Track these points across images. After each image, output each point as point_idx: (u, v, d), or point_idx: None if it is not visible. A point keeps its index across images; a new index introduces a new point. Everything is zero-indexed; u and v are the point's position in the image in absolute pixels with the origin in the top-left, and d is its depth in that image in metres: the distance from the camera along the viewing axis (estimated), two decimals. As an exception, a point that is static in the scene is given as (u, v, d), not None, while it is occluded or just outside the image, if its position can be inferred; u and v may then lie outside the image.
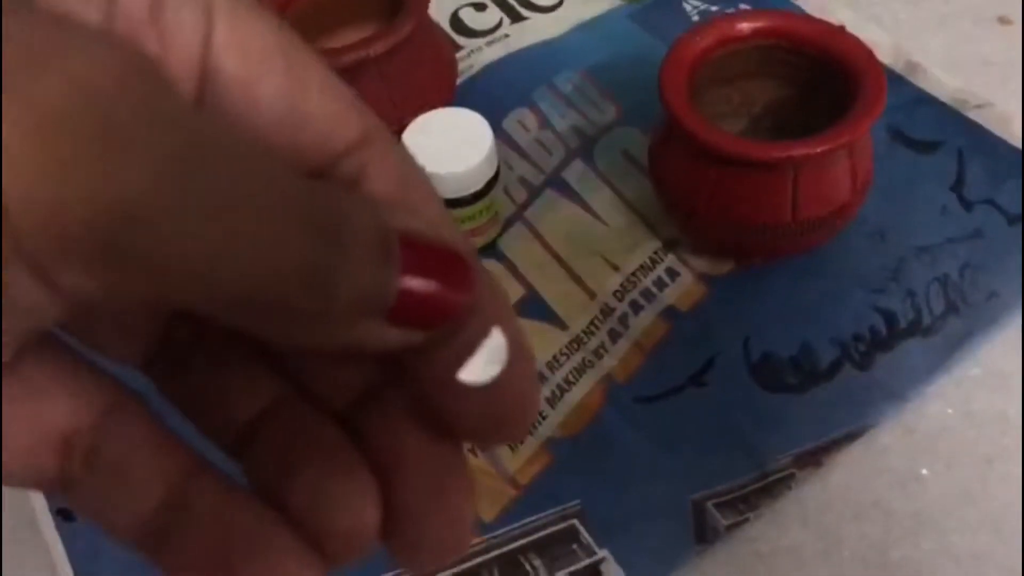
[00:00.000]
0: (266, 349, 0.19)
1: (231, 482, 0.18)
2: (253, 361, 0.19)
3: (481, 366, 0.16)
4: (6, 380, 0.16)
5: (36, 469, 0.17)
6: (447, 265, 0.16)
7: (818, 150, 0.41)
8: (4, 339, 0.14)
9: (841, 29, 0.46)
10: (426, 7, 0.52)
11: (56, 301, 0.14)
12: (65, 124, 0.12)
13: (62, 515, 0.44)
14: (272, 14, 0.17)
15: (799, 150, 0.41)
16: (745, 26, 0.47)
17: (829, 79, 0.45)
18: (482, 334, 0.17)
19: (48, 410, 0.17)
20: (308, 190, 0.15)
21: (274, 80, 0.16)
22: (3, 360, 0.15)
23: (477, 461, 0.44)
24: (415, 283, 0.15)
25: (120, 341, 0.19)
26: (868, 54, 0.44)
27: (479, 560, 0.41)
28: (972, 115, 0.54)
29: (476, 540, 0.42)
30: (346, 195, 0.15)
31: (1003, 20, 0.60)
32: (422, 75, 0.53)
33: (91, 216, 0.12)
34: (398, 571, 0.41)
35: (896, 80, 0.55)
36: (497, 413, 0.17)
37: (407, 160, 0.18)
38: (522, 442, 0.44)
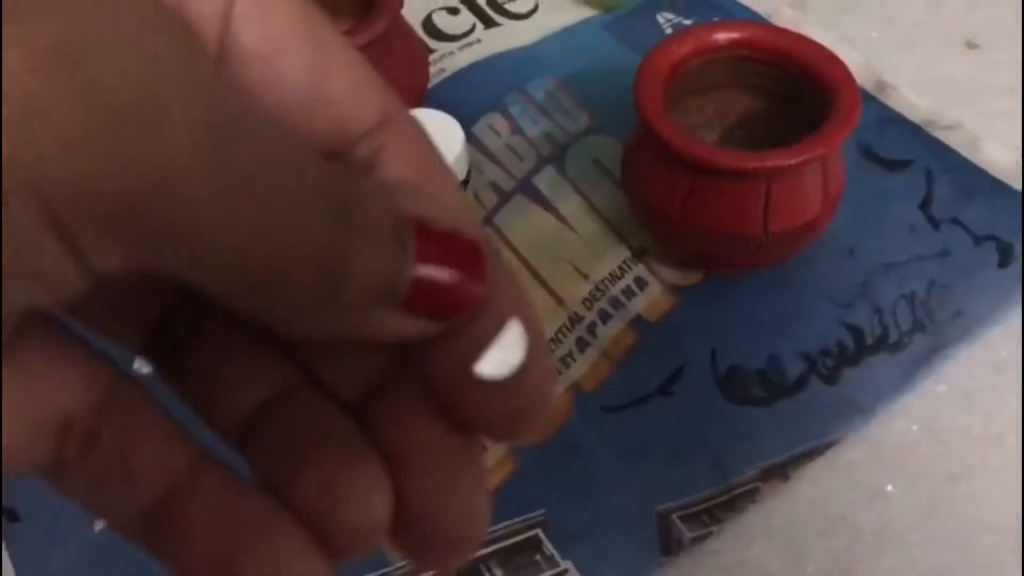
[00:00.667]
0: (275, 336, 0.18)
1: (235, 475, 0.17)
2: (259, 348, 0.18)
3: (497, 359, 0.16)
4: (5, 360, 0.15)
5: (32, 452, 0.16)
6: (462, 254, 0.15)
7: (792, 161, 0.41)
8: (22, 309, 0.13)
9: (816, 43, 0.46)
10: (399, 7, 0.52)
11: (80, 273, 0.13)
12: (107, 91, 0.12)
13: (8, 516, 0.43)
14: None
15: (773, 161, 0.41)
16: (722, 36, 0.47)
17: (803, 92, 0.45)
18: (498, 326, 0.16)
19: (47, 392, 0.16)
20: (325, 172, 0.14)
21: (296, 56, 0.16)
22: (5, 332, 0.14)
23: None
24: (429, 271, 0.15)
25: (122, 323, 0.18)
26: (843, 68, 0.44)
27: (439, 568, 0.40)
28: (941, 135, 0.54)
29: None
30: (363, 179, 0.15)
31: (970, 44, 0.61)
32: (393, 75, 0.51)
33: (128, 184, 0.12)
34: (383, 570, 0.40)
35: (867, 99, 0.55)
36: (513, 407, 0.16)
37: (427, 144, 0.17)
38: (486, 448, 0.44)
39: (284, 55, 0.16)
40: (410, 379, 0.17)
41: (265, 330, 0.17)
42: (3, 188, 0.11)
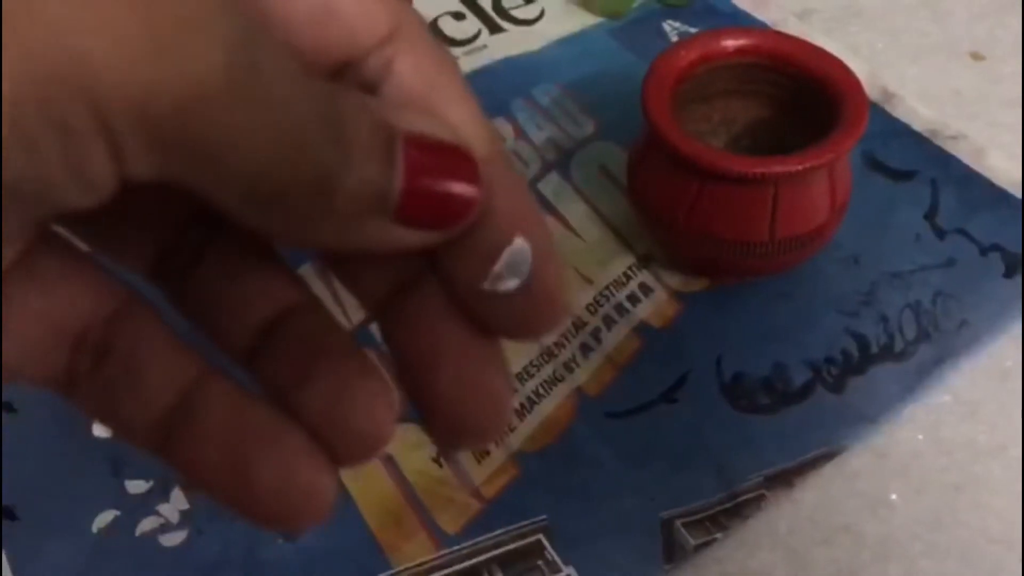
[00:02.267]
0: (279, 257, 0.19)
1: (243, 387, 0.18)
2: (265, 268, 0.19)
3: (504, 274, 0.16)
4: (18, 273, 0.16)
5: (46, 363, 0.17)
6: (454, 164, 0.16)
7: (800, 167, 0.41)
8: (57, 210, 0.14)
9: (823, 50, 0.46)
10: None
11: (115, 178, 0.14)
12: (159, 7, 0.13)
13: (5, 514, 0.42)
14: None
15: (781, 166, 0.41)
16: (729, 43, 0.47)
17: (811, 99, 0.45)
18: (504, 241, 0.16)
19: (61, 303, 0.17)
20: (324, 93, 0.15)
21: None
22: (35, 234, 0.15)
23: (440, 472, 0.43)
24: (420, 182, 0.15)
25: (132, 247, 0.19)
26: (850, 75, 0.44)
27: (442, 573, 0.40)
28: (946, 146, 0.54)
29: (438, 553, 0.41)
30: (353, 98, 0.16)
31: (975, 56, 0.61)
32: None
33: (172, 97, 0.13)
34: (390, 572, 0.40)
35: (872, 109, 0.55)
36: (525, 313, 0.17)
37: (436, 55, 0.18)
38: (496, 446, 0.43)
39: None
40: (434, 285, 0.18)
41: (270, 251, 0.18)
42: (62, 95, 0.12)
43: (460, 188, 0.16)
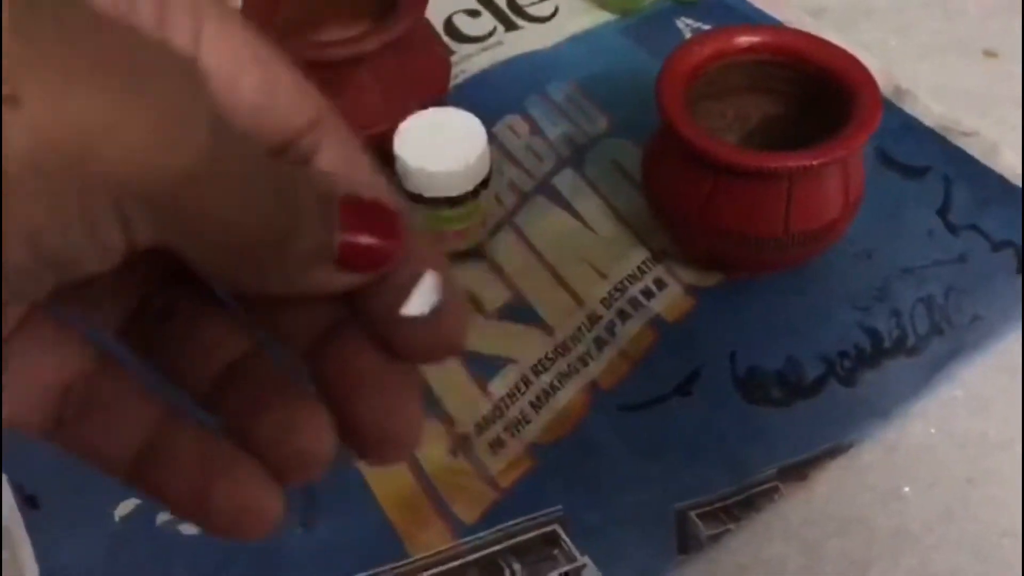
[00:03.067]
0: (235, 306, 0.22)
1: (203, 425, 0.21)
2: (222, 322, 0.22)
3: (418, 302, 0.20)
4: (19, 338, 0.20)
5: (39, 415, 0.20)
6: (381, 221, 0.20)
7: (814, 162, 0.41)
8: (74, 277, 0.17)
9: (837, 46, 0.46)
10: (423, 7, 0.52)
11: (124, 250, 0.17)
12: (158, 114, 0.16)
13: (28, 503, 0.43)
14: (250, 22, 0.21)
15: (795, 161, 0.41)
16: (743, 39, 0.47)
17: (824, 96, 0.46)
18: (417, 276, 0.20)
19: (54, 364, 0.20)
20: (273, 167, 0.18)
21: (251, 76, 0.20)
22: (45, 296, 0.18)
23: (458, 463, 0.43)
24: (354, 237, 0.19)
25: (102, 309, 0.22)
26: (864, 71, 0.45)
27: (459, 562, 0.40)
28: (959, 143, 0.54)
29: (455, 542, 0.41)
30: (300, 172, 0.20)
31: (988, 53, 0.61)
32: (415, 74, 0.52)
33: (169, 182, 0.16)
34: (371, 571, 0.40)
35: (885, 106, 0.55)
36: (434, 337, 0.21)
37: (352, 137, 0.22)
38: (504, 445, 0.44)
39: (242, 74, 0.20)
40: (354, 326, 0.21)
41: (225, 307, 0.22)
42: (87, 186, 0.15)
43: (386, 237, 0.20)
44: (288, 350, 0.22)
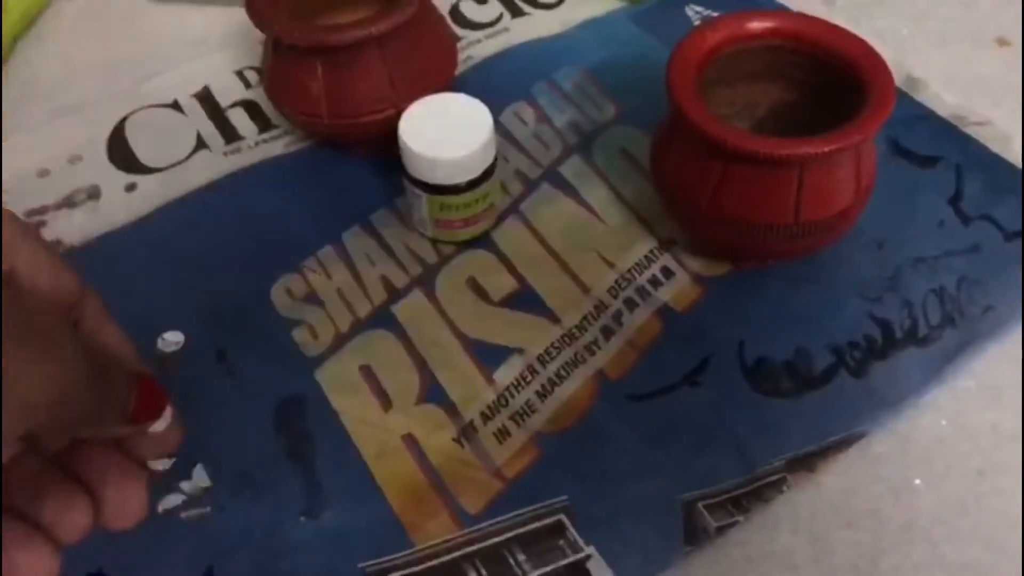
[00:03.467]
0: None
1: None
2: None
3: (157, 425, 0.34)
4: None
5: None
6: (153, 388, 0.33)
7: (826, 149, 0.40)
8: None
9: (850, 33, 0.46)
10: (430, -7, 0.52)
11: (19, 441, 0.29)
12: (49, 362, 0.27)
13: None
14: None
15: (807, 148, 0.41)
16: (756, 25, 0.46)
17: (836, 83, 0.45)
18: (160, 414, 0.34)
19: None
20: (90, 354, 0.28)
21: (46, 275, 0.32)
22: None
23: (464, 454, 0.43)
24: (140, 402, 0.32)
25: None
26: (877, 57, 0.44)
27: (462, 552, 0.40)
28: (971, 132, 0.54)
29: (460, 532, 0.41)
30: (113, 365, 0.31)
31: (1001, 42, 0.60)
32: (422, 58, 0.52)
33: (57, 403, 0.27)
34: (376, 561, 0.40)
35: (898, 95, 0.55)
36: (161, 442, 0.34)
37: (101, 304, 0.34)
38: (510, 435, 0.43)
39: (39, 273, 0.32)
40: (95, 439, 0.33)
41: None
42: (6, 417, 0.26)
43: (159, 398, 0.34)
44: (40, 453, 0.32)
